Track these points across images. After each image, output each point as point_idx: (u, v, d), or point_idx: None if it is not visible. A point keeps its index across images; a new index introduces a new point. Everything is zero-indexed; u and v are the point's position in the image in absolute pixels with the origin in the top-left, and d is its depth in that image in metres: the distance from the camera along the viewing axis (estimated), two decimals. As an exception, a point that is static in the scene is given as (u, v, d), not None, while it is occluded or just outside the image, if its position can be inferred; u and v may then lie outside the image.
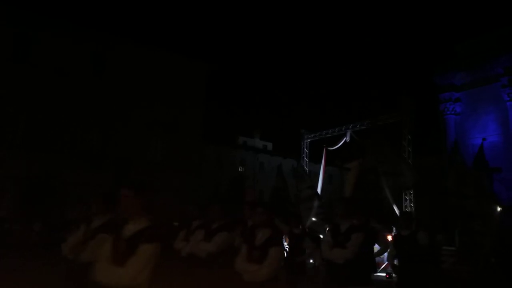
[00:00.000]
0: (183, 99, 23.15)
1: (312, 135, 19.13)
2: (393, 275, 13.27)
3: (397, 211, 14.61)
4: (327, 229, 5.03)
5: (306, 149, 19.46)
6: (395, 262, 13.90)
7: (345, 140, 17.00)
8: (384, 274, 13.43)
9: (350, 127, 16.83)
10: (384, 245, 6.67)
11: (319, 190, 17.80)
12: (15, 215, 16.02)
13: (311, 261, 8.19)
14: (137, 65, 21.81)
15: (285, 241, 6.99)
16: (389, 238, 14.79)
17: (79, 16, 21.68)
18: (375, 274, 13.99)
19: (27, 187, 17.85)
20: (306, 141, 19.37)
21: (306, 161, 19.55)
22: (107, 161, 19.16)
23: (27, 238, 13.39)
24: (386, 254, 14.63)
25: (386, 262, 14.29)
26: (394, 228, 14.91)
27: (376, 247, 14.53)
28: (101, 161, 19.31)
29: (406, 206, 14.52)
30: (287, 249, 5.96)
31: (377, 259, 14.87)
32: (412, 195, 14.53)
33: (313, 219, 12.39)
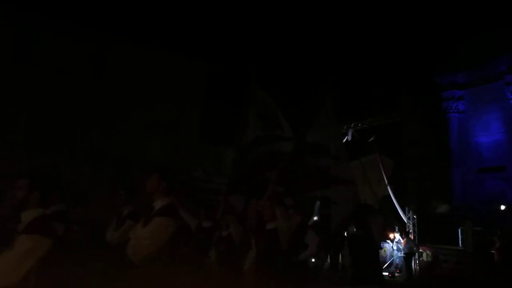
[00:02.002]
0: (183, 99, 23.08)
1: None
2: (396, 274, 13.19)
3: (400, 212, 14.49)
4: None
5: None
6: (398, 261, 13.72)
7: (347, 139, 16.89)
8: (387, 273, 13.33)
9: (352, 126, 16.72)
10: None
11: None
12: (17, 213, 15.94)
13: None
14: (137, 65, 21.75)
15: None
16: (391, 236, 14.69)
17: (79, 16, 21.60)
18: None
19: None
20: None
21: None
22: (107, 161, 19.10)
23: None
24: (388, 253, 14.57)
25: (389, 261, 14.17)
26: (396, 228, 14.81)
27: (387, 246, 14.34)
28: (101, 161, 19.24)
29: (408, 205, 14.38)
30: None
31: (380, 258, 14.76)
32: (415, 194, 14.38)
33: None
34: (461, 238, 14.65)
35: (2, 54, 18.55)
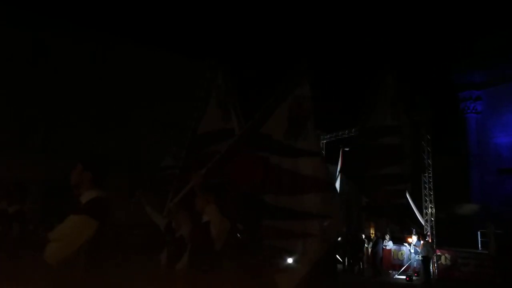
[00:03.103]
0: (187, 99, 23.21)
1: (328, 136, 18.94)
2: (414, 277, 13.03)
3: (417, 214, 14.31)
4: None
5: (322, 150, 19.27)
6: (416, 264, 13.55)
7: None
8: (404, 277, 13.17)
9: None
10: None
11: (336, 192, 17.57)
12: (37, 216, 16.31)
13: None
14: (151, 68, 22.04)
15: None
16: (409, 240, 14.51)
17: (83, 17, 22.07)
18: (395, 277, 13.74)
19: (48, 189, 18.19)
20: (322, 141, 19.19)
21: (323, 162, 19.33)
22: (123, 164, 19.36)
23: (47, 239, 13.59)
24: (406, 256, 14.40)
25: (407, 265, 14.01)
26: (414, 230, 14.62)
27: (405, 249, 14.18)
28: (117, 164, 19.52)
29: (426, 207, 14.20)
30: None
31: (396, 261, 14.62)
32: (432, 196, 14.19)
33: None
34: (481, 241, 14.37)
35: (21, 58, 19.01)
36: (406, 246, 14.56)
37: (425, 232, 13.67)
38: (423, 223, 14.02)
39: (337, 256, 15.83)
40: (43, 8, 20.70)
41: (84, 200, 2.53)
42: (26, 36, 19.57)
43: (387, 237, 15.34)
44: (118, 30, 22.31)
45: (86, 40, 21.19)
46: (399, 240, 15.38)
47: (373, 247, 14.68)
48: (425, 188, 14.33)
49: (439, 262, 13.38)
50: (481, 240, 14.36)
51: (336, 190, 4.02)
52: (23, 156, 17.80)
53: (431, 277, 12.77)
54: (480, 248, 14.22)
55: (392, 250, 14.94)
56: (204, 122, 4.96)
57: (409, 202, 14.82)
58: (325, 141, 19.17)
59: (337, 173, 17.87)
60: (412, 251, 13.90)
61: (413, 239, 14.14)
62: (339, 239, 16.46)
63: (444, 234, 14.43)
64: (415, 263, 13.75)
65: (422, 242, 13.15)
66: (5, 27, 19.20)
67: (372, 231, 18.64)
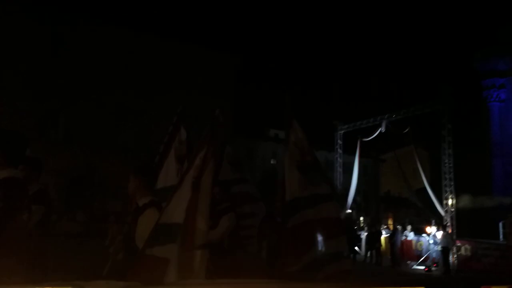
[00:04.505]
0: (211, 92, 23.34)
1: (346, 126, 18.76)
2: (433, 268, 12.90)
3: (437, 205, 14.12)
4: None
5: (340, 140, 19.12)
6: (435, 255, 13.38)
7: (380, 131, 16.55)
8: (423, 268, 13.07)
9: (386, 117, 16.35)
10: None
11: (354, 182, 17.50)
12: (60, 207, 16.79)
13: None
14: (169, 59, 22.20)
15: None
16: (428, 230, 14.36)
17: (113, 14, 22.27)
18: (413, 267, 13.64)
19: (70, 180, 18.65)
20: (339, 132, 19.02)
21: (340, 153, 19.22)
22: (143, 154, 19.67)
23: (71, 229, 13.99)
24: (424, 246, 14.26)
25: (426, 255, 13.87)
26: (433, 221, 14.44)
27: (424, 240, 14.04)
28: (137, 154, 19.84)
29: (446, 198, 13.97)
30: None
31: (415, 251, 14.49)
32: (453, 186, 13.94)
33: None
34: (503, 232, 14.09)
35: (44, 52, 19.41)
36: (425, 236, 14.40)
37: (444, 223, 13.48)
38: (442, 213, 13.82)
39: (356, 247, 15.81)
40: (63, 3, 21.01)
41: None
42: (45, 30, 19.94)
43: (408, 227, 15.19)
44: (137, 24, 22.51)
45: (104, 35, 21.45)
46: (418, 230, 15.23)
47: (391, 238, 14.59)
48: (446, 178, 14.09)
49: (459, 253, 13.20)
50: (502, 231, 14.08)
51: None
52: (45, 148, 18.27)
53: (451, 268, 12.63)
54: (501, 239, 13.95)
55: (412, 241, 14.82)
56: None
57: (428, 193, 14.63)
58: (342, 132, 19.00)
59: (355, 163, 17.74)
60: (431, 241, 13.75)
61: (432, 229, 13.98)
62: (361, 232, 16.44)
63: (464, 225, 14.21)
64: (434, 253, 13.61)
65: (441, 232, 12.99)
66: (25, 22, 19.58)
67: (390, 221, 18.49)
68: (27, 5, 19.72)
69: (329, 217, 3.48)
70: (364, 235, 16.04)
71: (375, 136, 17.05)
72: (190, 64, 22.88)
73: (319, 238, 3.44)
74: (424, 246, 14.31)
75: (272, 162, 31.39)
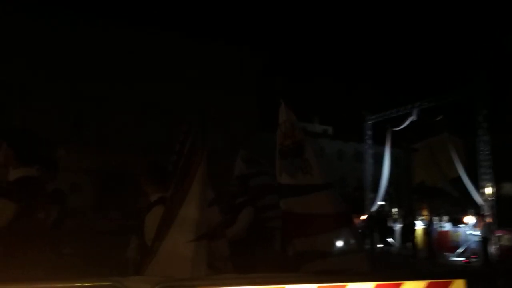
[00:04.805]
0: (236, 86, 23.34)
1: (375, 116, 18.34)
2: (472, 259, 12.43)
3: (474, 194, 13.58)
4: None
5: (369, 131, 18.72)
6: (474, 246, 12.87)
7: (412, 120, 16.06)
8: (462, 259, 12.62)
9: (417, 105, 15.83)
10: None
11: (385, 173, 17.10)
12: (93, 205, 17.33)
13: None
14: (194, 56, 22.37)
15: None
16: (465, 221, 13.83)
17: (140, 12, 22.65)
18: (451, 259, 13.18)
19: (103, 179, 19.20)
20: (368, 122, 18.62)
21: (370, 144, 18.82)
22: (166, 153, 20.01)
23: (105, 226, 14.40)
24: (462, 237, 13.74)
25: (464, 246, 13.38)
26: (471, 211, 13.91)
27: (461, 230, 13.56)
28: (167, 152, 20.19)
29: (483, 186, 13.40)
30: None
31: (452, 242, 14.00)
32: (491, 174, 13.35)
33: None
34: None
35: (68, 55, 19.98)
36: (462, 227, 13.91)
37: (482, 212, 12.96)
38: (481, 203, 13.28)
39: (391, 239, 15.50)
40: (90, 6, 21.53)
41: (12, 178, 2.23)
42: (71, 33, 20.49)
43: (444, 218, 14.72)
44: (160, 23, 22.82)
45: (130, 35, 21.83)
46: (455, 221, 14.72)
47: (427, 229, 14.18)
48: (483, 166, 13.51)
49: (500, 243, 12.66)
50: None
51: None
52: (79, 149, 18.86)
53: (490, 258, 12.13)
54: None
55: (449, 232, 14.35)
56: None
57: (464, 182, 14.09)
58: (371, 122, 18.58)
59: (386, 155, 17.33)
60: (469, 232, 13.25)
61: (470, 219, 13.46)
62: (395, 224, 16.07)
63: (505, 214, 13.60)
64: (473, 244, 13.11)
65: (480, 222, 12.49)
66: (52, 26, 20.18)
67: (425, 212, 17.97)
68: (55, 10, 20.35)
69: (318, 211, 3.18)
70: (398, 227, 15.68)
71: (406, 125, 16.57)
72: (214, 60, 22.98)
73: (304, 232, 3.21)
74: (461, 237, 13.81)
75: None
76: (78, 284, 1.61)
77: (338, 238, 3.29)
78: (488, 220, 12.69)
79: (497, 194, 13.32)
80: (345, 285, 2.00)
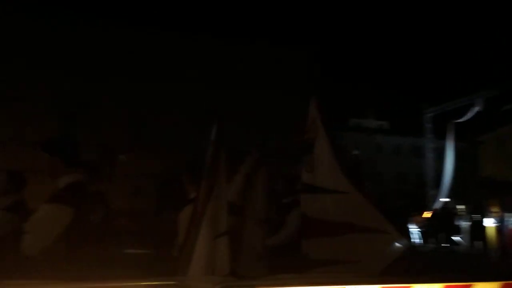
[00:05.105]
0: (286, 83, 23.24)
1: (434, 108, 17.45)
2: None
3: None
4: None
5: (429, 124, 17.83)
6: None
7: (475, 110, 15.06)
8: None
9: (481, 94, 14.82)
10: None
11: (448, 168, 16.20)
12: (154, 207, 18.11)
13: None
14: (247, 58, 22.69)
15: None
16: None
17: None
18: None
19: (161, 182, 20.03)
20: (427, 115, 17.76)
21: (429, 138, 17.94)
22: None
23: (164, 228, 15.04)
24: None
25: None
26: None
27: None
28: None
29: None
30: None
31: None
32: None
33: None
34: None
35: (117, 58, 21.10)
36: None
37: None
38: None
39: (458, 238, 14.69)
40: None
41: (62, 185, 2.33)
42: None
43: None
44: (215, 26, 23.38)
45: (187, 38, 22.52)
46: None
47: (498, 226, 13.24)
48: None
49: None
50: None
51: None
52: (138, 152, 19.82)
53: None
54: None
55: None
56: None
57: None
58: (431, 115, 17.68)
59: (448, 149, 16.41)
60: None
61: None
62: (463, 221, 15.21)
63: None
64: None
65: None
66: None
67: (495, 209, 16.75)
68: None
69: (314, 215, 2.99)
70: (466, 224, 14.78)
71: (469, 117, 15.58)
72: (268, 61, 23.16)
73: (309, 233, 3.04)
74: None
75: (354, 153, 30.46)
76: (144, 283, 1.66)
77: (337, 244, 3.07)
78: None
79: None
80: (410, 286, 1.94)
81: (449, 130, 16.41)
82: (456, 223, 15.07)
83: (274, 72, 23.79)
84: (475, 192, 22.87)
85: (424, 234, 14.04)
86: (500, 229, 13.07)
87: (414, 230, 14.19)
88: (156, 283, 1.68)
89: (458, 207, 16.72)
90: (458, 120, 16.18)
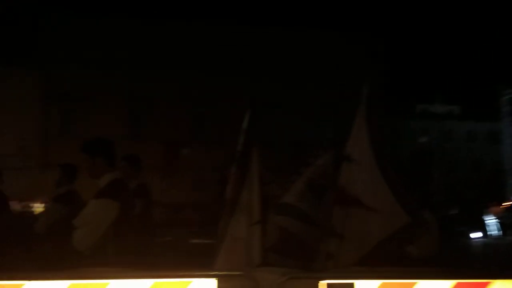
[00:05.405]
0: (351, 75, 22.47)
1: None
2: None
3: None
4: None
5: (507, 107, 16.37)
6: None
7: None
8: None
9: None
10: None
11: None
12: (216, 200, 18.59)
13: None
14: (300, 47, 22.31)
15: None
16: None
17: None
18: None
19: (219, 177, 20.48)
20: (505, 97, 16.30)
21: (508, 121, 16.45)
22: (282, 148, 20.30)
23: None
24: None
25: None
26: None
27: None
28: (280, 149, 20.57)
29: None
30: None
31: None
32: None
33: None
34: None
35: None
36: None
37: None
38: None
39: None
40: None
41: (104, 183, 2.51)
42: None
43: None
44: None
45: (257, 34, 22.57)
46: None
47: None
48: None
49: None
50: None
51: None
52: (199, 148, 20.40)
53: None
54: None
55: None
56: None
57: None
58: (509, 97, 16.22)
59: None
60: None
61: None
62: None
63: None
64: None
65: None
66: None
67: None
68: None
69: None
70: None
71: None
72: (325, 49, 22.58)
73: None
74: None
75: (422, 140, 28.84)
76: (212, 273, 1.70)
77: None
78: None
79: None
80: (489, 282, 1.81)
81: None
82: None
83: (332, 59, 22.88)
84: None
85: (502, 226, 12.95)
86: None
87: (491, 222, 13.14)
88: (222, 273, 1.71)
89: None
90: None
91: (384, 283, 1.83)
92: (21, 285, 1.52)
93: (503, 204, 14.47)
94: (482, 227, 12.70)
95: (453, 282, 1.81)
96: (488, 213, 13.44)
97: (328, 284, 1.80)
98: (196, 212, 16.58)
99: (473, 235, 12.17)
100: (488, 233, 12.63)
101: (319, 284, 1.77)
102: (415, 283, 1.82)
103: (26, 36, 21.48)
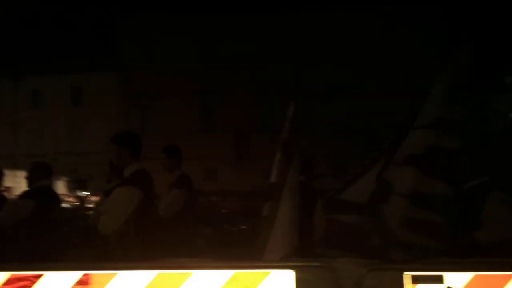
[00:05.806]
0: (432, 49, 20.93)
1: None
2: None
3: None
4: None
5: None
6: None
7: None
8: None
9: None
10: None
11: None
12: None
13: None
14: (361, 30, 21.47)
15: None
16: None
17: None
18: None
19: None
20: None
21: None
22: (355, 131, 19.66)
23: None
24: None
25: None
26: None
27: None
28: (350, 131, 20.03)
29: None
30: None
31: None
32: None
33: None
34: None
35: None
36: None
37: None
38: None
39: None
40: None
41: (128, 173, 2.64)
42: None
43: None
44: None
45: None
46: None
47: None
48: None
49: None
50: None
51: None
52: (270, 139, 20.44)
53: None
54: None
55: None
56: None
57: None
58: None
59: None
60: None
61: None
62: None
63: None
64: None
65: None
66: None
67: None
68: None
69: None
70: None
71: None
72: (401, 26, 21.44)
73: None
74: None
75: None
76: (289, 264, 1.69)
77: None
78: None
79: None
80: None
81: None
82: None
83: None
84: None
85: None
86: None
87: None
88: (299, 264, 1.69)
89: None
90: None
91: (477, 275, 1.67)
92: (114, 274, 1.63)
93: None
94: None
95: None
96: None
97: (413, 276, 1.69)
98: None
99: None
100: None
101: (403, 275, 1.66)
102: (512, 275, 1.65)
103: (104, 39, 23.26)
